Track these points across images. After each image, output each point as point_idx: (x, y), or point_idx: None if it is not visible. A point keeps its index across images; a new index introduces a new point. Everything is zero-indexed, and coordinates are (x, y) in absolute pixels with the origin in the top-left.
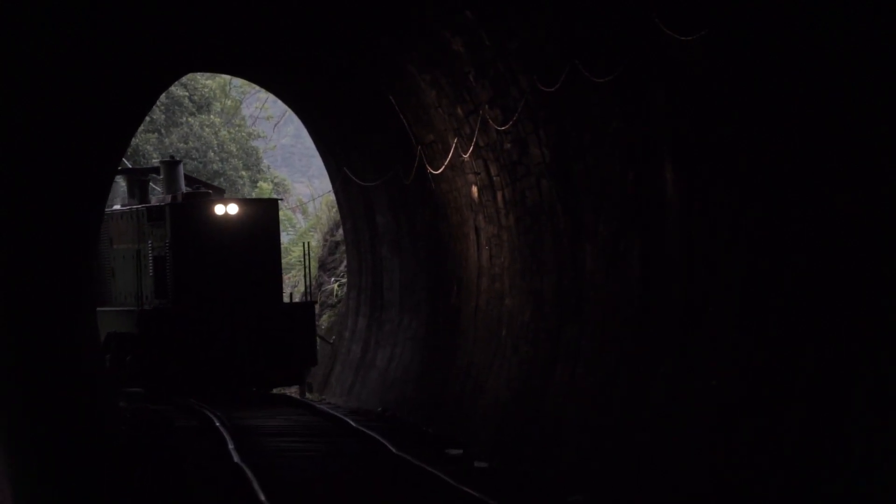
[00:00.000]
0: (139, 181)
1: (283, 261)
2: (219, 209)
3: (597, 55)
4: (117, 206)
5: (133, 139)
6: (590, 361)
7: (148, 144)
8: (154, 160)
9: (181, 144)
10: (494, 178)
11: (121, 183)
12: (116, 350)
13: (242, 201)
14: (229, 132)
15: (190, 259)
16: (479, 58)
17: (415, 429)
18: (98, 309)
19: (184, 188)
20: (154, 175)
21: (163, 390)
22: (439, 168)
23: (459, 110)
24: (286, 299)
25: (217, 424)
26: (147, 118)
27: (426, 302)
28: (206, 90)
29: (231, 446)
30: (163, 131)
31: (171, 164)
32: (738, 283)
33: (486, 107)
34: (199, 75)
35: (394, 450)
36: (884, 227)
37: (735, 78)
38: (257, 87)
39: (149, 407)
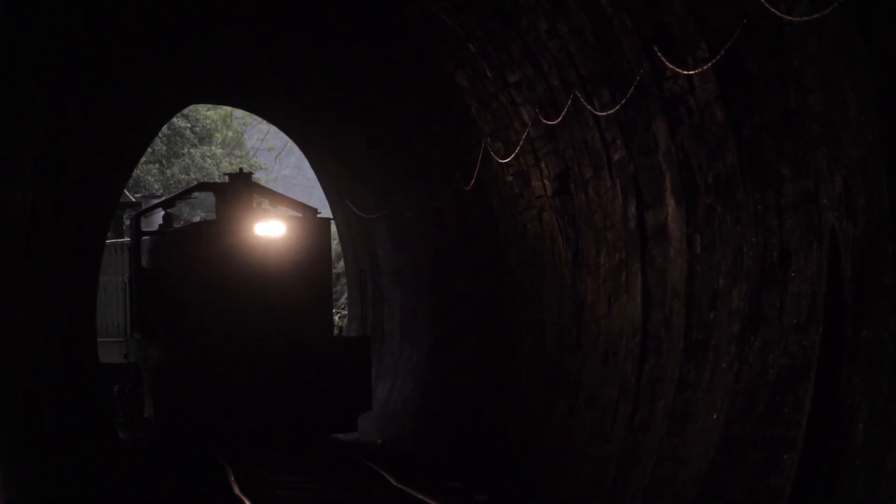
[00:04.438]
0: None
1: None
2: (257, 229)
3: (599, 87)
4: (115, 240)
5: (135, 170)
6: (590, 393)
7: (149, 175)
8: (156, 192)
9: (182, 176)
10: (496, 211)
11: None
12: (109, 381)
13: (281, 220)
14: (231, 163)
15: (177, 289)
16: (481, 91)
17: (414, 460)
18: None
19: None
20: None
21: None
22: (441, 200)
23: (461, 142)
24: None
25: (219, 459)
26: (149, 149)
27: (427, 333)
28: (207, 121)
29: (231, 478)
30: (164, 162)
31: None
32: (740, 315)
33: (489, 139)
34: (200, 106)
35: (394, 482)
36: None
37: (735, 110)
38: (259, 119)
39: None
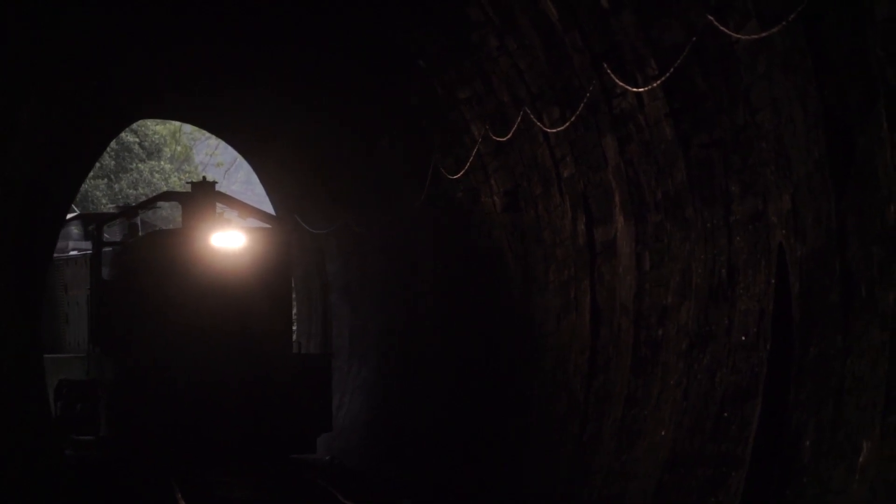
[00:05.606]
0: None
1: None
2: (213, 239)
3: (549, 104)
4: (74, 252)
5: (82, 185)
6: (540, 409)
7: (97, 190)
8: (104, 206)
9: (131, 191)
10: (446, 227)
11: (74, 230)
12: (67, 397)
13: (241, 231)
14: (180, 178)
15: (130, 303)
16: (431, 107)
17: (364, 477)
18: (51, 356)
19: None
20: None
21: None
22: (393, 216)
23: (412, 159)
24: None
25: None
26: (97, 164)
27: (376, 349)
28: (156, 136)
29: (178, 494)
30: (112, 177)
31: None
32: (688, 332)
33: (439, 155)
34: (149, 121)
35: (342, 498)
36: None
37: (684, 127)
38: (208, 134)
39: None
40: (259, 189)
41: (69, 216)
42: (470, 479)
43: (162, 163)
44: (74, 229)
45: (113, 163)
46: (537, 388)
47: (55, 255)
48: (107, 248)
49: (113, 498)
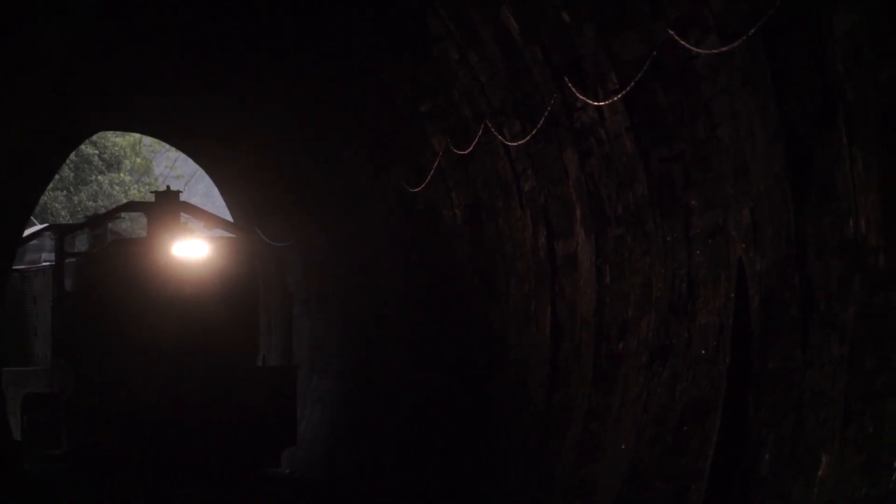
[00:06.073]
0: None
1: None
2: (175, 249)
3: (509, 118)
4: (46, 264)
5: (42, 197)
6: (501, 423)
7: (56, 203)
8: (63, 218)
9: (90, 202)
10: (407, 241)
11: (47, 241)
12: (33, 411)
13: (205, 241)
14: (139, 190)
15: (92, 315)
16: (393, 119)
17: (325, 489)
18: (19, 369)
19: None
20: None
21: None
22: (355, 228)
23: (373, 172)
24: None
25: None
26: (56, 176)
27: (336, 362)
28: (116, 148)
29: None
30: (72, 189)
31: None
32: (648, 345)
33: (400, 168)
34: (109, 133)
35: None
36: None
37: (644, 141)
38: (168, 146)
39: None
40: (219, 201)
41: (41, 227)
42: (432, 492)
43: (122, 175)
44: (48, 240)
45: (72, 175)
46: (499, 402)
47: (26, 266)
48: (70, 259)
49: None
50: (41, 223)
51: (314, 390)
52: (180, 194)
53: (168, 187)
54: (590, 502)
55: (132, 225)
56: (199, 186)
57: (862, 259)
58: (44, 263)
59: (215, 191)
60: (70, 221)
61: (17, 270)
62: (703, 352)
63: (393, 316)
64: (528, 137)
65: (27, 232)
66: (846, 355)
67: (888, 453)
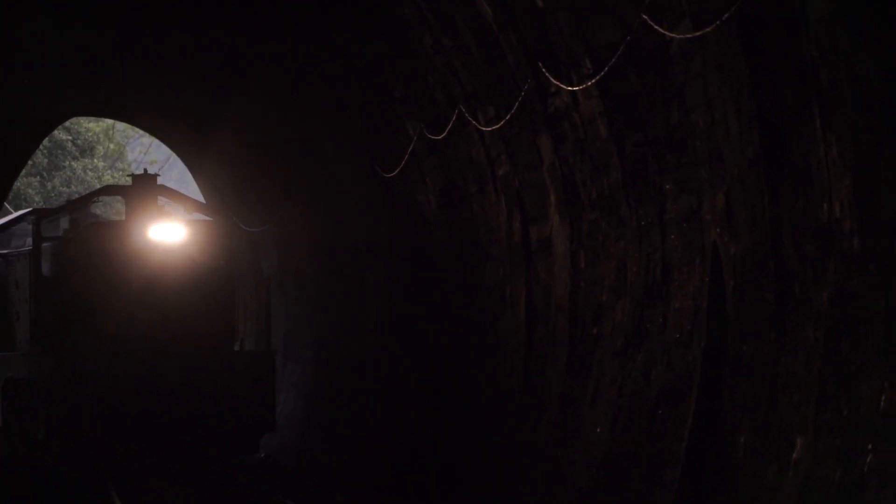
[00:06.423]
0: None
1: None
2: (151, 232)
3: (483, 103)
4: (26, 249)
5: (15, 183)
6: (477, 408)
7: (30, 188)
8: (36, 204)
9: (64, 188)
10: (383, 226)
11: (30, 226)
12: (13, 396)
13: (182, 224)
14: (113, 176)
15: (67, 299)
16: (367, 105)
17: (300, 474)
18: (1, 354)
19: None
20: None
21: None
22: (329, 214)
23: (348, 157)
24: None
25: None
26: (29, 162)
27: (311, 348)
28: (89, 134)
29: (113, 493)
30: (45, 175)
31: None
32: (623, 329)
33: (375, 154)
34: (82, 119)
35: (280, 497)
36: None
37: (619, 126)
38: (141, 132)
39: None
40: (193, 187)
41: (23, 212)
42: (407, 476)
43: (95, 160)
44: (30, 225)
45: (46, 160)
46: (475, 386)
47: (10, 251)
48: (46, 244)
49: (45, 499)
50: (14, 209)
51: (289, 376)
52: (158, 177)
53: (146, 171)
54: (565, 486)
55: (106, 210)
56: (172, 172)
57: (836, 243)
58: (25, 248)
59: (189, 176)
60: (44, 206)
61: (1, 255)
62: (678, 336)
63: (370, 301)
64: (502, 123)
65: (11, 217)
66: (821, 339)
67: (862, 437)
